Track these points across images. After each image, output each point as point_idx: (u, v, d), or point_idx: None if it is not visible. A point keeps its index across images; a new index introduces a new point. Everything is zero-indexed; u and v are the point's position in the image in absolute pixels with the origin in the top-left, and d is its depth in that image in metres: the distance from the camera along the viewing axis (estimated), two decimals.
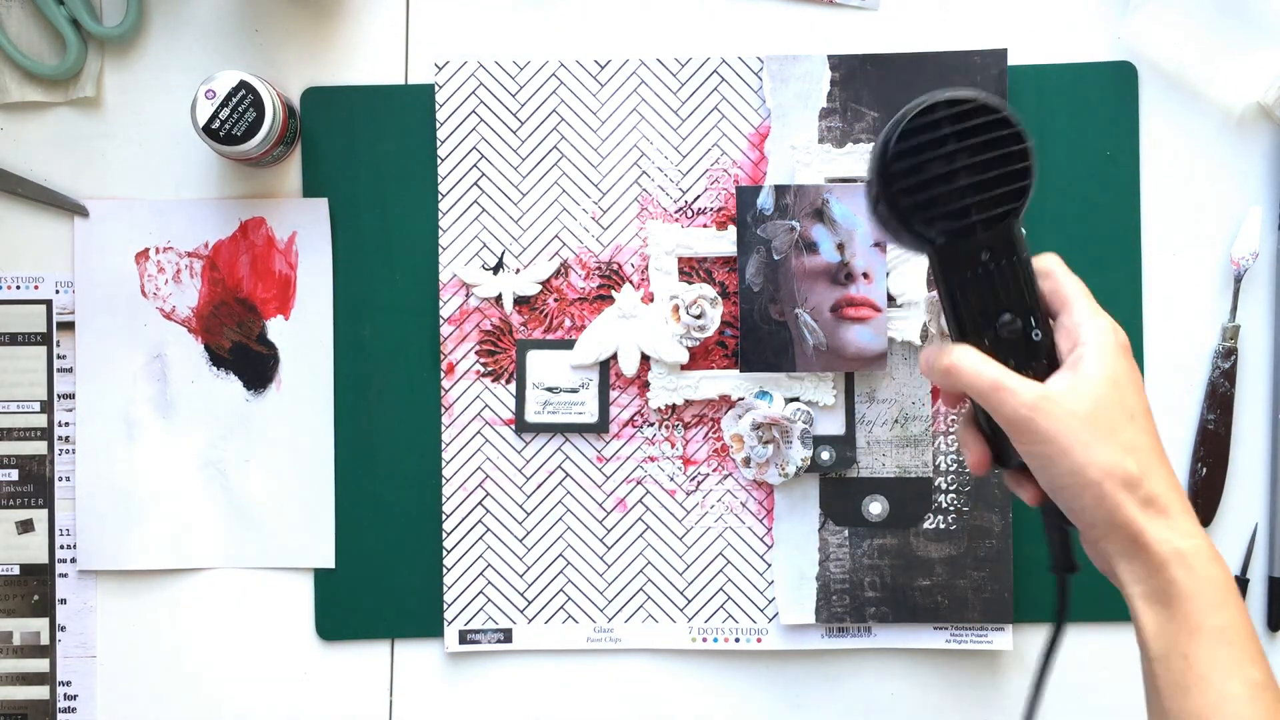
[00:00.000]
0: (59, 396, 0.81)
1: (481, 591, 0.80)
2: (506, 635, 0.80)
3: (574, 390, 0.80)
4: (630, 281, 0.80)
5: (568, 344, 0.79)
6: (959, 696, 0.80)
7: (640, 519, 0.80)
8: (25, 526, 0.81)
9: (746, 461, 0.78)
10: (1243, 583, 0.79)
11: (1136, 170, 0.79)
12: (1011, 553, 0.78)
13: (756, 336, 0.78)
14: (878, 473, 0.79)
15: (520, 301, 0.80)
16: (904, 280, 0.78)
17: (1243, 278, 0.79)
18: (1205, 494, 0.79)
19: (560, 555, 0.80)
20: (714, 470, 0.80)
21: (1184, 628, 0.55)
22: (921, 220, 0.59)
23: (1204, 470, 0.79)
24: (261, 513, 0.80)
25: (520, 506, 0.80)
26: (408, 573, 0.80)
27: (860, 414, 0.79)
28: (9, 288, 0.81)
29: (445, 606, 0.80)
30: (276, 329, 0.80)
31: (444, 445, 0.80)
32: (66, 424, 0.81)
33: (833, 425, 0.79)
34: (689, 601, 0.80)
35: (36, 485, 0.81)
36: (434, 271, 0.80)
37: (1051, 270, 0.61)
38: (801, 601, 0.79)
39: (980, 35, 0.80)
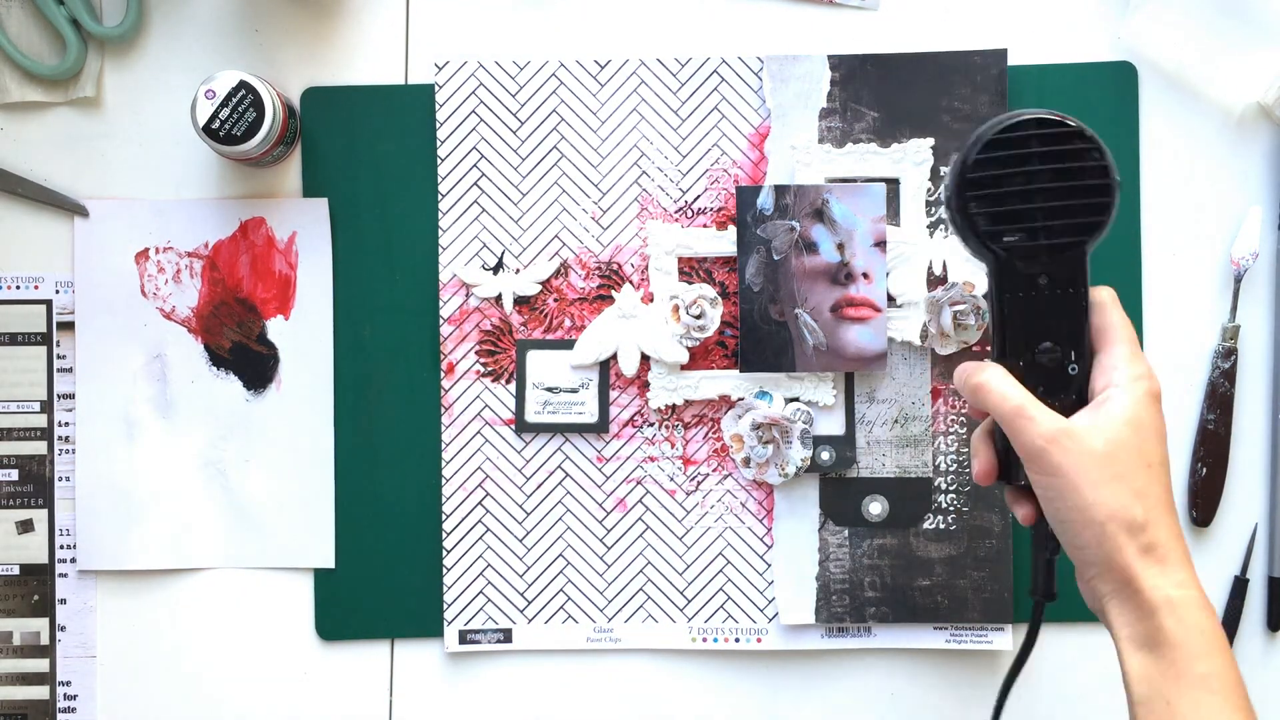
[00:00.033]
0: (59, 396, 0.81)
1: (481, 591, 0.80)
2: (506, 635, 0.80)
3: (574, 390, 0.80)
4: (630, 281, 0.80)
5: (568, 344, 0.79)
6: (959, 696, 0.80)
7: (640, 519, 0.80)
8: (25, 526, 0.81)
9: (746, 461, 0.78)
10: (1242, 583, 0.79)
11: (1136, 170, 0.79)
12: (1011, 553, 0.78)
13: (756, 336, 0.78)
14: (878, 473, 0.79)
15: (520, 301, 0.80)
16: (904, 280, 0.78)
17: (1243, 278, 0.79)
18: (1205, 494, 0.79)
19: (560, 555, 0.80)
20: (714, 470, 0.80)
21: (1169, 673, 0.55)
22: (988, 229, 0.59)
23: (1204, 470, 0.79)
24: (261, 513, 0.80)
25: (520, 506, 0.80)
26: (408, 573, 0.80)
27: (860, 414, 0.79)
28: (9, 288, 0.81)
29: (445, 606, 0.80)
30: (276, 329, 0.80)
31: (444, 445, 0.80)
32: (66, 424, 0.81)
33: (833, 425, 0.79)
34: (689, 601, 0.80)
35: (36, 485, 0.81)
36: (434, 271, 0.80)
37: (1104, 304, 0.61)
38: (801, 601, 0.79)
39: (980, 35, 0.80)
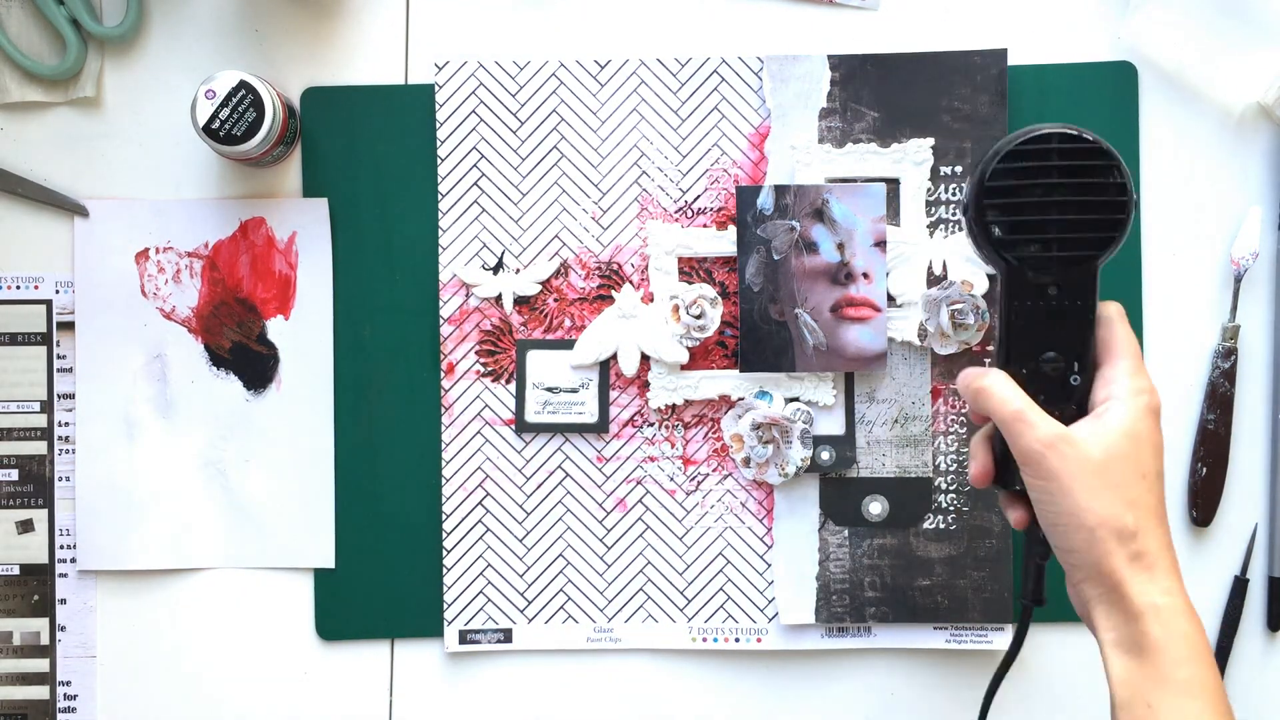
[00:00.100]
0: (59, 396, 0.81)
1: (481, 591, 0.80)
2: (506, 635, 0.80)
3: (574, 390, 0.80)
4: (630, 281, 0.80)
5: (568, 344, 0.79)
6: (959, 696, 0.80)
7: (640, 519, 0.80)
8: (25, 526, 0.81)
9: (746, 461, 0.78)
10: (1242, 583, 0.79)
11: (1137, 170, 0.79)
12: (1011, 553, 0.78)
13: (756, 336, 0.78)
14: (878, 473, 0.79)
15: (520, 301, 0.80)
16: (904, 280, 0.78)
17: (1243, 278, 0.79)
18: (1205, 494, 0.79)
19: (560, 555, 0.80)
20: (714, 470, 0.80)
21: (1151, 678, 0.56)
22: (1002, 238, 0.60)
23: (1204, 470, 0.79)
24: (261, 513, 0.80)
25: (520, 506, 0.80)
26: (408, 573, 0.80)
27: (860, 414, 0.79)
28: (9, 288, 0.81)
29: (445, 606, 0.80)
30: (276, 329, 0.80)
31: (444, 445, 0.80)
32: (66, 424, 0.81)
33: (833, 425, 0.79)
34: (689, 601, 0.80)
35: (36, 485, 0.81)
36: (434, 271, 0.80)
37: (1112, 319, 0.62)
38: (801, 601, 0.79)
39: (980, 35, 0.80)
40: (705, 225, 0.79)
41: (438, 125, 0.80)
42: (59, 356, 0.81)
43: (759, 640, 0.80)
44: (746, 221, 0.78)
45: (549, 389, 0.80)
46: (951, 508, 0.78)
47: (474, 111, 0.80)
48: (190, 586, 0.81)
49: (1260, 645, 0.80)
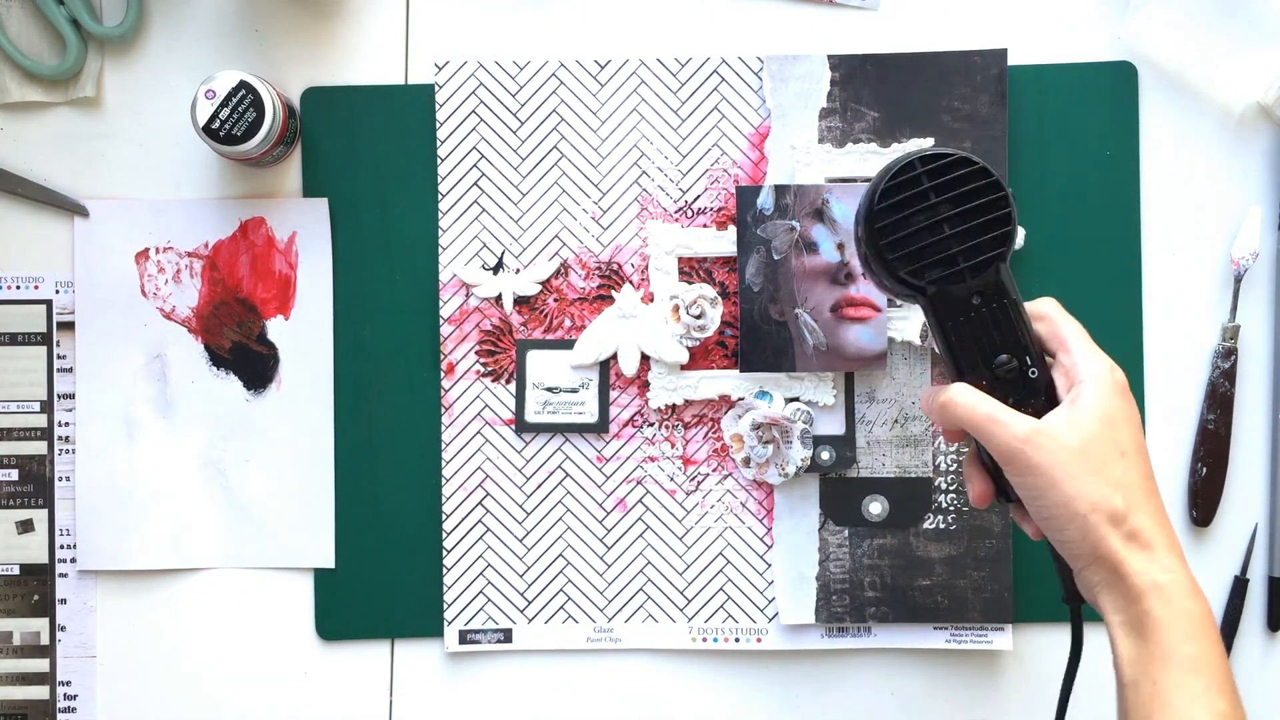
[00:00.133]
0: (59, 396, 0.81)
1: (481, 591, 0.80)
2: (506, 635, 0.80)
3: (574, 390, 0.80)
4: (630, 281, 0.80)
5: (568, 344, 0.79)
6: (959, 696, 0.80)
7: (640, 519, 0.80)
8: (25, 526, 0.81)
9: (746, 461, 0.78)
10: (1242, 583, 0.79)
11: (1136, 170, 0.79)
12: (1011, 553, 0.78)
13: (756, 336, 0.78)
14: (878, 473, 0.79)
15: (520, 301, 0.80)
16: None
17: (1243, 278, 0.79)
18: (1205, 494, 0.79)
19: (560, 555, 0.80)
20: (714, 470, 0.80)
21: (1155, 656, 0.56)
22: (910, 271, 0.62)
23: (1204, 470, 0.79)
24: (261, 513, 0.80)
25: (520, 506, 0.80)
26: (408, 573, 0.80)
27: (860, 414, 0.79)
28: (9, 288, 0.81)
29: (445, 606, 0.80)
30: (276, 329, 0.80)
31: (444, 445, 0.80)
32: (66, 424, 0.81)
33: (833, 425, 0.79)
34: (689, 601, 0.80)
35: (36, 485, 0.81)
36: (434, 271, 0.80)
37: (1047, 313, 0.63)
38: (801, 601, 0.79)
39: (980, 35, 0.80)
40: (705, 225, 0.79)
41: (438, 125, 0.80)
42: (59, 356, 0.81)
43: (759, 640, 0.80)
44: (746, 221, 0.78)
45: (549, 389, 0.80)
46: (951, 508, 0.78)
47: (474, 111, 0.80)
48: (190, 586, 0.81)
49: (1260, 645, 0.80)
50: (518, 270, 0.80)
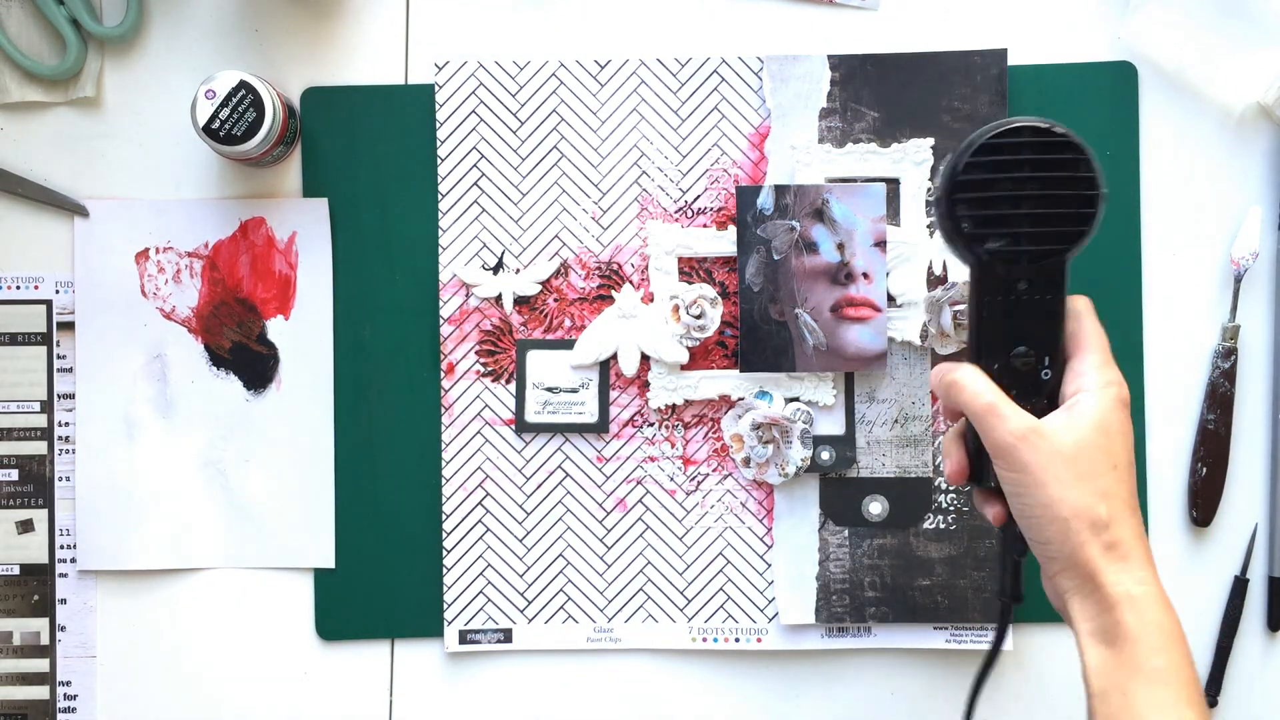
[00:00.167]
0: (59, 396, 0.81)
1: (481, 591, 0.80)
2: (506, 635, 0.80)
3: (574, 390, 0.80)
4: (630, 281, 0.80)
5: (568, 344, 0.79)
6: (959, 696, 0.80)
7: (640, 519, 0.80)
8: (25, 526, 0.81)
9: (746, 461, 0.78)
10: (1242, 583, 0.79)
11: (1136, 170, 0.79)
12: None
13: (756, 336, 0.78)
14: (878, 473, 0.79)
15: (520, 301, 0.80)
16: (904, 280, 0.78)
17: (1243, 278, 0.79)
18: (1205, 494, 0.79)
19: (560, 555, 0.80)
20: (714, 470, 0.80)
21: (1125, 667, 0.57)
22: (973, 232, 0.60)
23: (1204, 470, 0.79)
24: (261, 513, 0.80)
25: (520, 506, 0.80)
26: (408, 573, 0.80)
27: (860, 414, 0.79)
28: (9, 288, 0.81)
29: (445, 606, 0.80)
30: (276, 329, 0.80)
31: (444, 445, 0.80)
32: (66, 424, 0.81)
33: (833, 425, 0.79)
34: (689, 601, 0.80)
35: (36, 485, 0.81)
36: (434, 271, 0.80)
37: (1079, 313, 0.63)
38: (801, 601, 0.79)
39: (980, 35, 0.80)
40: (705, 225, 0.79)
41: (438, 125, 0.80)
42: (59, 356, 0.81)
43: (759, 640, 0.80)
44: (746, 221, 0.78)
45: (549, 389, 0.80)
46: (951, 508, 0.78)
47: (474, 111, 0.80)
48: (190, 586, 0.81)
49: (1260, 645, 0.80)
50: (518, 270, 0.80)
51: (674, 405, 0.79)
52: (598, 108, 0.80)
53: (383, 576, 0.80)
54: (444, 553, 0.80)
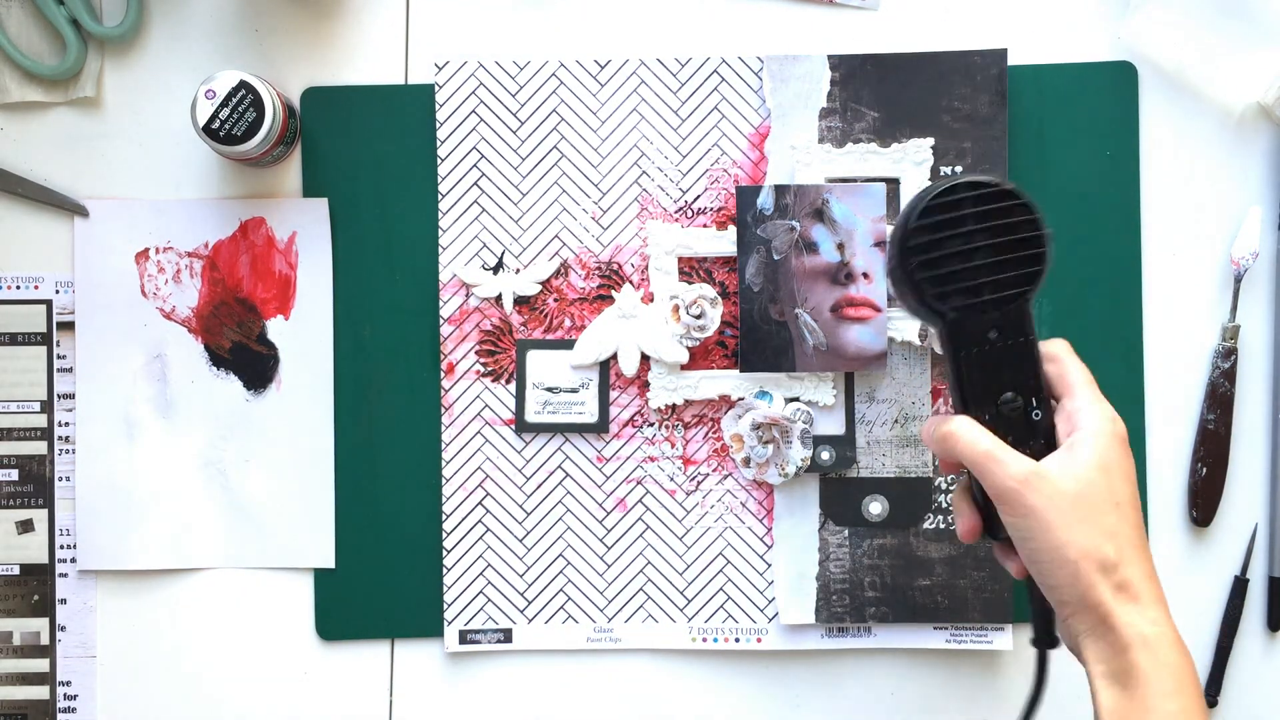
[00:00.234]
0: (59, 396, 0.81)
1: (481, 591, 0.80)
2: (506, 635, 0.80)
3: (574, 390, 0.80)
4: (630, 281, 0.80)
5: (568, 344, 0.79)
6: (959, 696, 0.80)
7: (640, 519, 0.80)
8: (25, 526, 0.81)
9: (746, 461, 0.78)
10: (1242, 583, 0.79)
11: (1136, 170, 0.79)
12: None
13: (756, 336, 0.78)
14: (878, 473, 0.79)
15: (520, 301, 0.80)
16: None
17: (1243, 278, 0.79)
18: (1205, 494, 0.79)
19: (560, 555, 0.80)
20: (714, 470, 0.80)
21: (1138, 709, 0.56)
22: (935, 293, 0.62)
23: (1204, 470, 0.79)
24: (261, 513, 0.80)
25: (520, 506, 0.80)
26: (408, 573, 0.80)
27: (860, 414, 0.79)
28: (9, 288, 0.81)
29: (445, 606, 0.80)
30: (276, 329, 0.80)
31: (444, 445, 0.80)
32: (66, 424, 0.81)
33: (833, 425, 0.79)
34: (689, 601, 0.80)
35: (36, 485, 0.81)
36: (434, 271, 0.80)
37: (1058, 355, 0.63)
38: (801, 601, 0.79)
39: (980, 35, 0.80)
40: (705, 225, 0.79)
41: (438, 125, 0.80)
42: (59, 356, 0.81)
43: (759, 640, 0.80)
44: (746, 221, 0.78)
45: (549, 389, 0.80)
46: (952, 508, 0.78)
47: (474, 111, 0.80)
48: (190, 586, 0.81)
49: (1260, 645, 0.80)
50: (518, 270, 0.80)
51: (674, 405, 0.79)
52: (598, 108, 0.80)
53: (383, 576, 0.80)
54: (444, 553, 0.80)
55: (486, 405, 0.80)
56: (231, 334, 0.80)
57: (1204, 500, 0.79)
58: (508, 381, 0.80)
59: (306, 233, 0.80)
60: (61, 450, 0.81)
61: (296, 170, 0.81)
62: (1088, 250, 0.79)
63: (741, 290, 0.78)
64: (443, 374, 0.80)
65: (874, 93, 0.78)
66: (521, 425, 0.80)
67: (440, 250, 0.80)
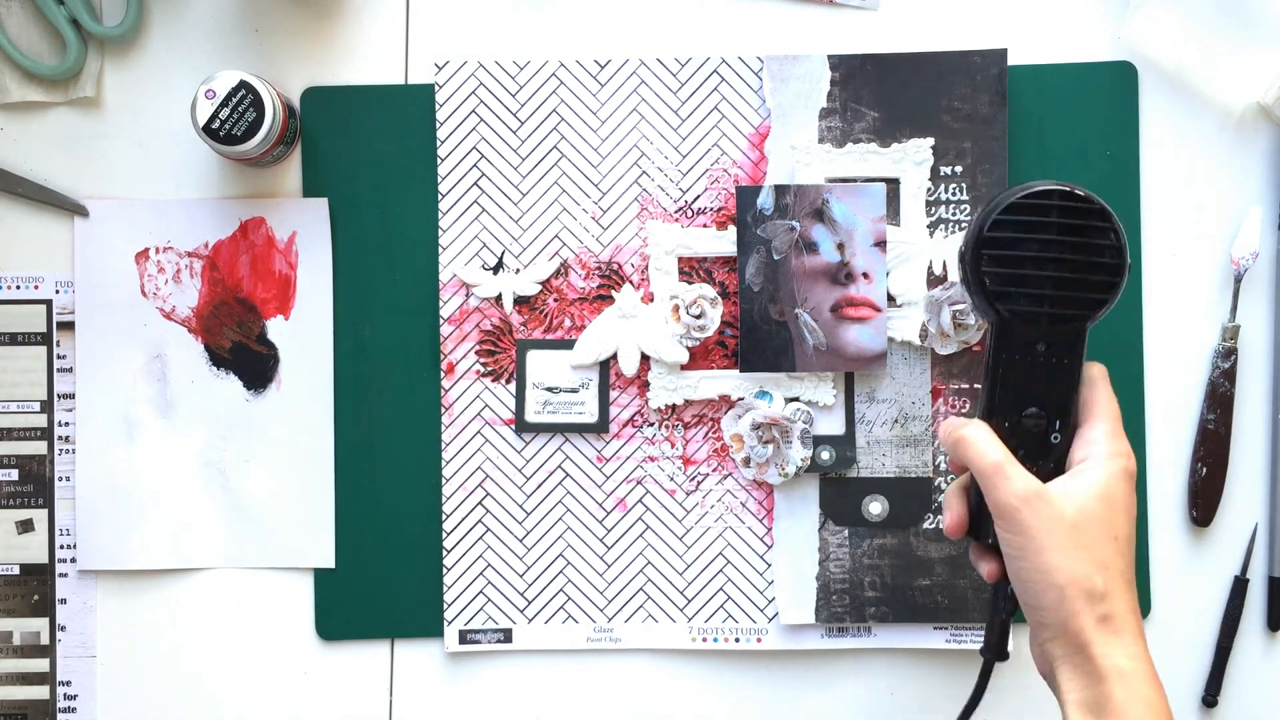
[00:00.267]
0: (59, 396, 0.81)
1: (481, 591, 0.80)
2: (506, 635, 0.80)
3: (574, 390, 0.80)
4: (630, 281, 0.80)
5: (568, 344, 0.79)
6: (959, 696, 0.80)
7: (640, 519, 0.80)
8: (25, 526, 0.81)
9: (746, 461, 0.78)
10: (1242, 583, 0.79)
11: (1136, 170, 0.79)
12: None
13: (756, 336, 0.78)
14: (878, 473, 0.79)
15: (520, 301, 0.80)
16: (904, 280, 0.78)
17: (1243, 278, 0.79)
18: (1205, 494, 0.79)
19: (560, 555, 0.80)
20: (714, 470, 0.80)
21: None
22: (995, 290, 0.61)
23: (1204, 470, 0.79)
24: (261, 513, 0.80)
25: (520, 506, 0.80)
26: (408, 573, 0.80)
27: (860, 414, 0.79)
28: (9, 288, 0.81)
29: (445, 606, 0.80)
30: (276, 329, 0.80)
31: (444, 445, 0.80)
32: (66, 424, 0.81)
33: (833, 425, 0.79)
34: (689, 601, 0.80)
35: (36, 485, 0.81)
36: (434, 271, 0.80)
37: (1095, 380, 0.63)
38: (801, 601, 0.79)
39: (980, 35, 0.80)
40: (705, 225, 0.79)
41: (438, 125, 0.80)
42: (59, 356, 0.81)
43: (759, 640, 0.80)
44: (746, 221, 0.78)
45: (549, 389, 0.80)
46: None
47: (474, 111, 0.80)
48: (190, 586, 0.81)
49: (1260, 645, 0.80)
50: (518, 270, 0.80)
51: (674, 405, 0.79)
52: (598, 108, 0.80)
53: (383, 576, 0.80)
54: (444, 553, 0.80)
55: (486, 405, 0.80)
56: (231, 334, 0.80)
57: (1204, 500, 0.79)
58: (508, 381, 0.80)
59: (306, 233, 0.80)
60: (61, 450, 0.81)
61: (296, 170, 0.81)
62: None
63: (741, 290, 0.78)
64: (443, 374, 0.80)
65: (874, 93, 0.78)
66: (521, 425, 0.80)
67: (440, 250, 0.80)
